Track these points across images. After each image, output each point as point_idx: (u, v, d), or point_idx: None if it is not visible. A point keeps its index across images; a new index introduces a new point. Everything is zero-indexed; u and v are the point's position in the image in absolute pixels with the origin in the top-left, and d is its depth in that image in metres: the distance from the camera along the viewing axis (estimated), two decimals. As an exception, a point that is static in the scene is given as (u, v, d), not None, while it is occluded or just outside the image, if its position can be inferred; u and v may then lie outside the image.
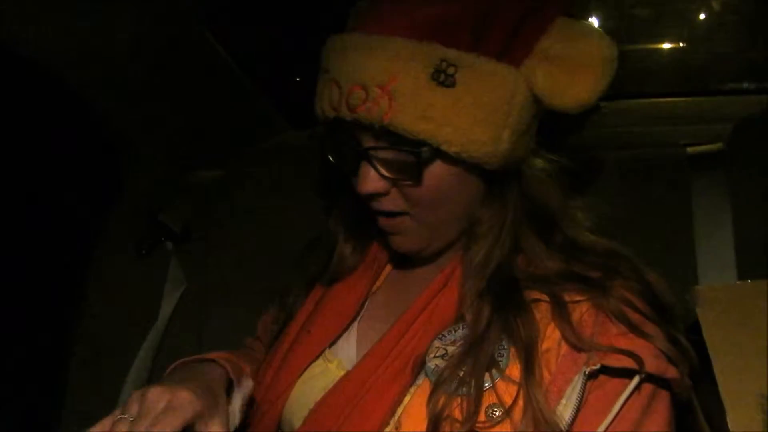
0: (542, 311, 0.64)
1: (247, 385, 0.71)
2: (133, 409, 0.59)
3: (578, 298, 0.63)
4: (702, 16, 1.77)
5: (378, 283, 0.76)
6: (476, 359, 0.61)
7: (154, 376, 1.04)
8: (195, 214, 1.15)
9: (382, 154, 0.63)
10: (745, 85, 1.57)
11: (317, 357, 0.72)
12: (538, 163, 0.69)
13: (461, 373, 0.61)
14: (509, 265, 0.66)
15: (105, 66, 1.02)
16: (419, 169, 0.62)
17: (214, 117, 1.24)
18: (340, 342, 0.73)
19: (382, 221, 0.68)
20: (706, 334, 0.61)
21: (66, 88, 1.02)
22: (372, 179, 0.64)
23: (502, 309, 0.63)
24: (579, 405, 0.59)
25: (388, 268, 0.77)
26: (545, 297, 0.64)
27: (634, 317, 0.62)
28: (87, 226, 1.19)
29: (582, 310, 0.63)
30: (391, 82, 0.59)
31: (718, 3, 1.70)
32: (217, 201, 1.15)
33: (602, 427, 0.58)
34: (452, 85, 0.59)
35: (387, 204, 0.66)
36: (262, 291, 1.00)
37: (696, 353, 0.64)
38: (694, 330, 0.65)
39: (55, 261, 1.19)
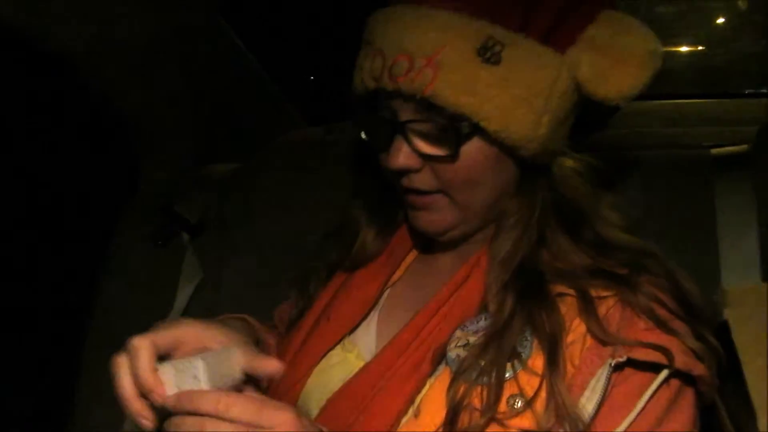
0: (568, 305, 0.63)
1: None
2: None
3: (605, 293, 0.62)
4: (724, 18, 1.75)
5: (399, 273, 0.75)
6: (498, 349, 0.60)
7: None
8: (211, 207, 1.15)
9: (419, 127, 0.63)
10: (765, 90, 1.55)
11: (335, 345, 0.71)
12: (568, 162, 0.68)
13: (482, 363, 0.60)
14: (534, 259, 0.65)
15: (123, 59, 1.02)
16: (457, 145, 0.62)
17: (230, 111, 1.24)
18: (359, 331, 0.72)
19: (412, 198, 0.67)
20: (735, 335, 0.60)
21: (85, 80, 1.02)
22: (405, 154, 0.63)
23: (526, 301, 0.62)
24: (603, 398, 0.58)
25: (410, 257, 0.76)
26: (571, 291, 0.63)
27: (662, 314, 0.61)
28: (104, 216, 1.19)
29: (608, 305, 0.62)
30: (437, 53, 0.59)
31: (741, 3, 1.68)
32: (233, 194, 1.15)
33: (626, 422, 0.58)
34: (497, 62, 0.59)
35: (418, 181, 0.65)
36: (277, 284, 1.00)
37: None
38: (721, 331, 0.64)
39: (72, 251, 1.19)
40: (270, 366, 0.57)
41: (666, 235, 0.83)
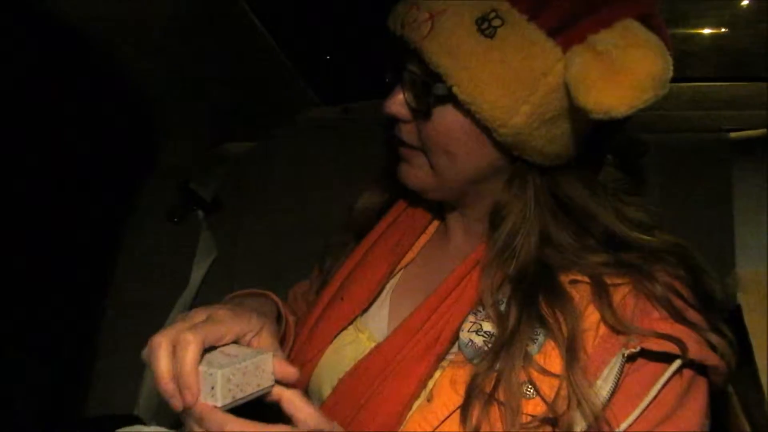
0: (581, 292, 0.62)
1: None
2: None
3: (619, 281, 0.62)
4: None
5: (411, 255, 0.75)
6: (509, 352, 0.60)
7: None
8: (226, 185, 1.16)
9: (410, 78, 0.64)
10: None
11: (348, 325, 0.72)
12: (570, 171, 0.65)
13: (498, 366, 0.60)
14: (540, 255, 0.64)
15: (142, 37, 1.03)
16: (429, 104, 0.62)
17: (247, 90, 1.24)
18: (371, 312, 0.73)
19: (400, 148, 0.69)
20: (747, 319, 0.60)
21: (105, 59, 1.03)
22: (396, 101, 0.65)
23: (536, 292, 0.62)
24: (615, 387, 0.58)
25: (423, 239, 0.76)
26: (585, 278, 0.63)
27: (677, 303, 0.60)
28: (122, 193, 1.20)
29: (623, 293, 0.61)
30: (439, 12, 0.60)
31: (764, -15, 1.64)
32: (248, 172, 1.16)
33: (637, 411, 0.58)
34: (491, 36, 0.58)
35: (403, 133, 0.67)
36: (290, 262, 1.01)
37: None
38: (734, 315, 0.63)
39: (90, 226, 1.21)
40: (287, 374, 0.57)
41: (683, 219, 0.82)
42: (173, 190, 1.15)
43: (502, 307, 0.63)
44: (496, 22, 0.58)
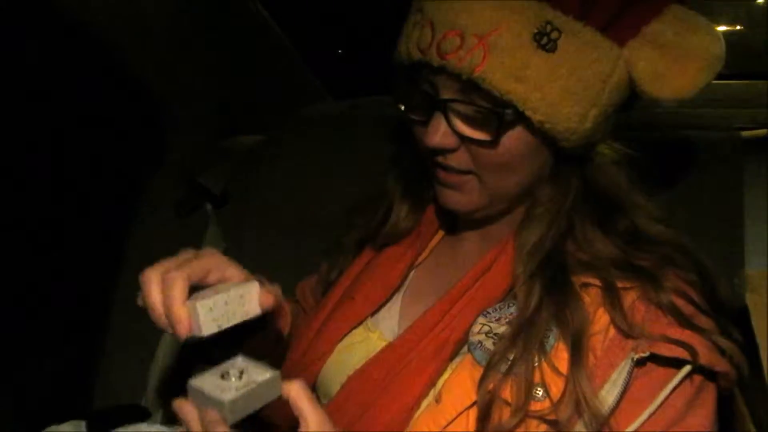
0: (592, 295, 0.62)
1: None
2: None
3: (629, 285, 0.61)
4: (762, -3, 1.69)
5: (424, 255, 0.74)
6: (526, 345, 0.59)
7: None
8: (234, 179, 1.16)
9: (461, 107, 0.60)
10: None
11: (358, 325, 0.71)
12: (606, 151, 0.66)
13: (511, 357, 0.59)
14: (560, 249, 0.64)
15: (150, 31, 1.03)
16: (498, 131, 0.59)
17: (255, 83, 1.24)
18: (382, 312, 0.72)
19: (442, 174, 0.65)
20: (755, 321, 0.59)
21: (111, 53, 1.03)
22: (443, 133, 0.61)
23: (552, 293, 0.61)
24: (623, 391, 0.57)
25: (436, 239, 0.75)
26: (596, 282, 0.62)
27: (687, 308, 0.60)
28: (130, 187, 1.21)
29: (633, 297, 0.61)
30: (490, 33, 0.56)
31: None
32: (256, 166, 1.16)
33: (644, 415, 0.57)
34: (553, 50, 0.57)
35: (452, 161, 0.63)
36: (298, 256, 1.01)
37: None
38: (742, 316, 0.63)
39: (98, 221, 1.22)
40: (265, 302, 0.57)
41: (693, 219, 0.82)
42: (181, 185, 1.15)
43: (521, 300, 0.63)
44: (554, 35, 0.57)
